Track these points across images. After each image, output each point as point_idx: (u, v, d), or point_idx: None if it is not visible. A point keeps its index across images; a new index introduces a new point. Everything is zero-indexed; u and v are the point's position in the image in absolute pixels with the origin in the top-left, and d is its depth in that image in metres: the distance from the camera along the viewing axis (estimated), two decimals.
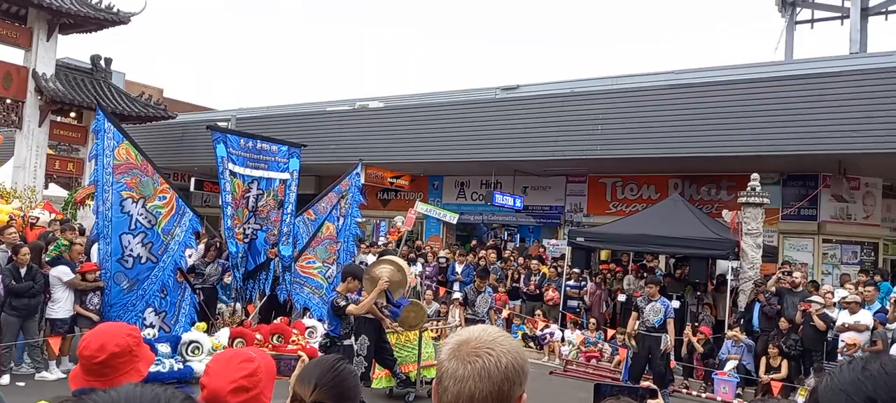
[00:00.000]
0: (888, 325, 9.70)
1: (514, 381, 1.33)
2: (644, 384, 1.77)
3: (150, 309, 8.87)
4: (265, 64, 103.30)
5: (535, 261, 14.70)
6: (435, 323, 11.60)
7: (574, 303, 13.44)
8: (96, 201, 8.85)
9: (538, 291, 13.76)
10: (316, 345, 9.04)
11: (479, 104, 17.43)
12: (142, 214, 8.91)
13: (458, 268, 14.66)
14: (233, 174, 9.82)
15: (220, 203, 9.87)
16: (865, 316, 9.74)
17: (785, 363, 9.97)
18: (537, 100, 16.50)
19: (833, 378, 1.16)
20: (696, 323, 11.88)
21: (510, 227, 19.34)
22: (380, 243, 16.90)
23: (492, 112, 16.93)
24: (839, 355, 9.59)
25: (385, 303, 8.14)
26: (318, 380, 1.91)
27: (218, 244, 10.15)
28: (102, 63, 19.64)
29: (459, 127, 17.04)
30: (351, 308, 7.04)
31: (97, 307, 8.60)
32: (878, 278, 11.61)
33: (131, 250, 8.72)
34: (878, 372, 1.11)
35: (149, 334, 8.53)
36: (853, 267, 14.30)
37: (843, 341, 9.66)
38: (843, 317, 9.95)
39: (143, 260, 8.82)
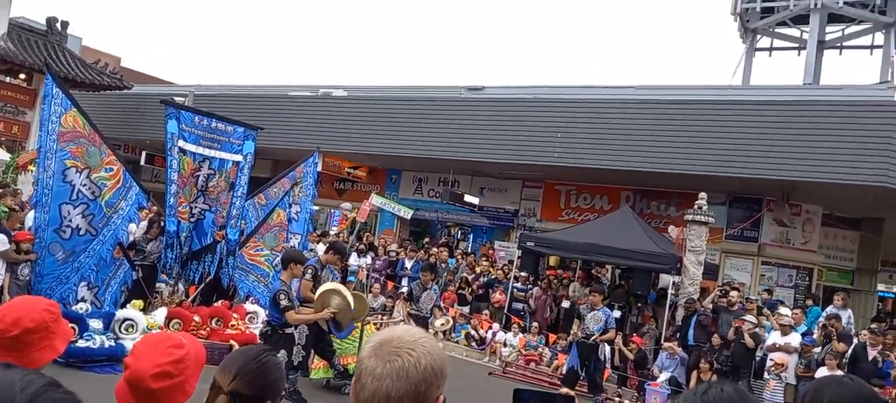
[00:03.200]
0: (814, 349, 10.10)
1: (432, 382, 1.35)
2: (562, 391, 1.82)
3: (83, 283, 8.64)
4: (229, 42, 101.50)
5: (484, 262, 14.82)
6: (380, 317, 11.61)
7: (519, 306, 13.61)
8: (38, 168, 8.58)
9: (484, 292, 13.89)
10: (256, 331, 8.95)
11: (444, 102, 17.48)
12: (85, 185, 8.67)
13: (408, 264, 14.68)
14: (182, 151, 9.63)
15: (165, 179, 9.68)
16: (795, 339, 10.13)
17: (715, 378, 10.29)
18: (501, 103, 16.62)
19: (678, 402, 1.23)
20: (638, 333, 12.18)
21: (464, 227, 19.44)
22: (331, 233, 16.79)
23: (455, 111, 17.00)
24: (766, 373, 9.95)
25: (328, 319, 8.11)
26: (239, 370, 1.90)
27: (161, 221, 9.95)
28: (58, 26, 19.05)
29: (422, 123, 17.06)
30: (290, 315, 6.93)
31: (28, 278, 8.34)
32: (809, 302, 12.06)
33: (70, 221, 8.48)
34: (715, 398, 1.19)
35: (81, 309, 8.31)
36: (788, 290, 14.83)
37: (771, 360, 10.02)
38: (774, 337, 10.33)
39: (81, 232, 8.59)
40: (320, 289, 7.50)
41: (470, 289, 14.16)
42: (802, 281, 15.06)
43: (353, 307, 7.39)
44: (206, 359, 2.14)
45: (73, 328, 7.82)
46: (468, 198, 17.38)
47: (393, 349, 1.35)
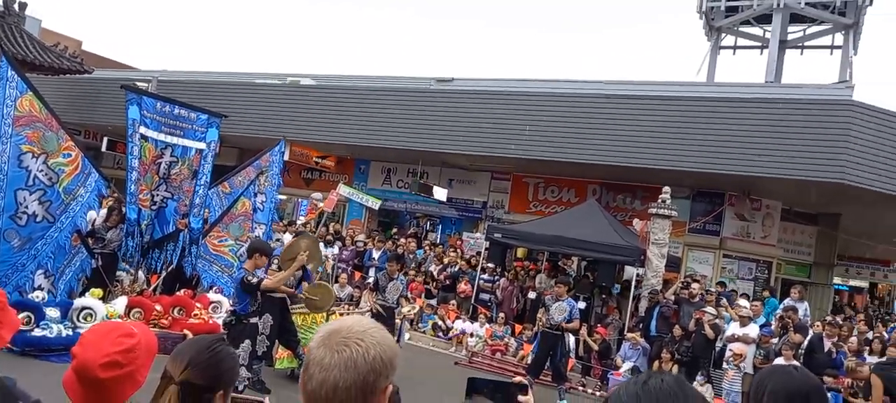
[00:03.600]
0: (772, 340, 10.37)
1: (380, 373, 1.34)
2: (516, 379, 1.83)
3: (40, 271, 8.41)
4: (194, 27, 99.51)
5: (452, 252, 14.86)
6: (346, 307, 11.55)
7: (486, 297, 13.68)
8: None
9: (451, 283, 13.93)
10: (219, 321, 8.83)
11: (413, 93, 17.42)
12: (42, 171, 8.43)
13: (375, 254, 14.64)
14: (144, 138, 9.43)
15: (126, 166, 9.47)
16: (753, 330, 10.38)
17: (675, 368, 10.49)
18: (470, 94, 16.63)
19: (619, 391, 1.25)
20: (602, 324, 12.35)
21: (433, 218, 19.44)
22: (299, 222, 16.64)
23: (424, 102, 16.96)
24: (725, 363, 10.18)
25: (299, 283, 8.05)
26: (191, 360, 1.86)
27: (122, 209, 9.74)
28: (16, 6, 18.44)
29: (391, 113, 16.98)
30: (267, 282, 6.88)
31: None
32: (766, 294, 12.37)
33: (26, 207, 8.23)
34: (655, 388, 1.21)
35: (38, 297, 8.10)
36: (748, 282, 15.20)
37: (730, 350, 10.26)
38: (733, 328, 10.57)
39: (38, 219, 8.35)
40: (285, 245, 7.47)
41: (435, 283, 14.19)
42: (762, 273, 15.45)
43: (322, 249, 7.37)
44: (158, 349, 2.10)
45: (29, 316, 7.63)
46: (436, 192, 17.39)
47: (342, 339, 1.34)
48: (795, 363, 9.52)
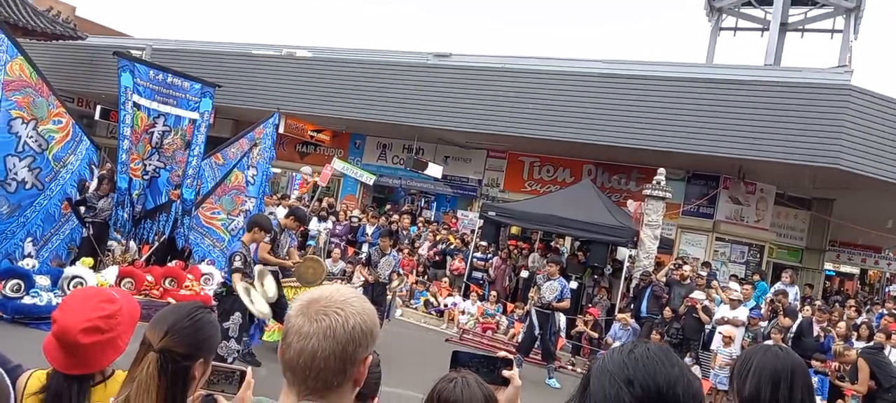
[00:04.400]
0: (761, 323, 10.43)
1: (360, 343, 1.32)
2: (500, 354, 1.81)
3: (29, 239, 8.38)
4: None
5: (444, 230, 14.87)
6: (339, 282, 11.55)
7: (479, 275, 13.71)
8: None
9: (441, 259, 13.96)
10: (210, 293, 8.82)
11: (410, 67, 17.28)
12: (32, 137, 8.35)
13: (369, 230, 14.63)
14: (136, 106, 9.34)
15: (118, 134, 9.39)
16: (743, 313, 10.44)
17: None
18: (468, 70, 16.50)
19: (604, 360, 1.23)
20: (593, 304, 12.40)
21: (428, 195, 19.41)
22: (292, 196, 16.59)
23: (421, 77, 16.83)
24: (713, 345, 10.25)
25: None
26: (171, 327, 1.83)
27: (113, 177, 9.68)
28: None
29: (387, 87, 16.86)
30: (236, 277, 6.65)
31: None
32: (756, 277, 12.42)
33: (16, 174, 8.17)
34: (641, 356, 1.19)
35: (28, 264, 8.07)
36: (740, 265, 15.26)
37: (720, 333, 10.32)
38: (722, 311, 10.63)
39: (27, 186, 8.29)
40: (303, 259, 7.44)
41: (421, 263, 14.19)
42: (754, 257, 15.50)
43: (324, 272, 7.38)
44: (141, 317, 2.07)
45: (18, 284, 7.60)
46: (431, 168, 17.33)
47: (321, 308, 1.32)
48: (780, 344, 9.59)
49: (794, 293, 11.85)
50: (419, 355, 9.41)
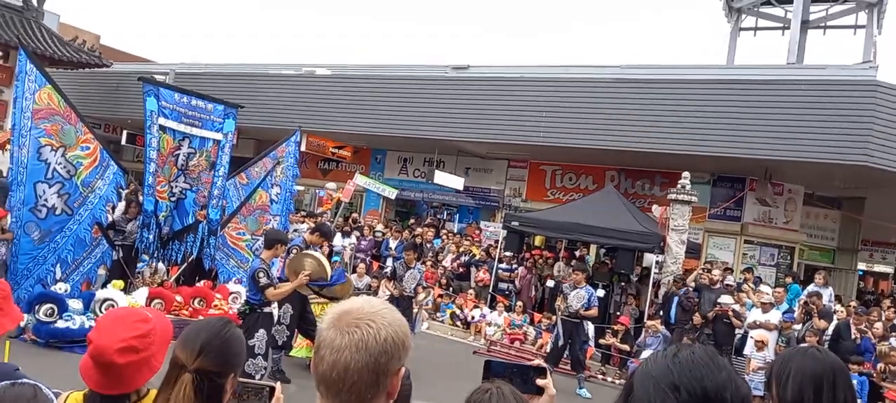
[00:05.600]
0: (794, 326, 10.21)
1: (393, 355, 1.31)
2: (534, 363, 1.78)
3: (59, 264, 8.51)
4: (210, 20, 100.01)
5: (466, 241, 14.83)
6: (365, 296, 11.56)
7: (505, 286, 13.63)
8: (12, 146, 8.41)
9: (465, 271, 13.91)
10: (237, 311, 8.87)
11: (429, 81, 17.35)
12: (61, 163, 8.51)
13: (393, 244, 14.65)
14: (162, 129, 9.47)
15: (144, 158, 9.52)
16: (775, 316, 10.23)
17: None
18: (486, 81, 16.53)
19: (648, 365, 1.20)
20: (620, 312, 12.23)
21: (450, 207, 19.41)
22: (317, 212, 16.69)
23: (440, 90, 16.88)
24: (746, 350, 10.05)
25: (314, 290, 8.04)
26: (204, 346, 1.84)
27: (139, 200, 9.82)
28: (34, 2, 18.62)
29: (407, 102, 16.93)
30: (269, 292, 6.82)
31: (4, 257, 8.20)
32: (788, 280, 12.17)
33: (46, 200, 8.32)
34: (686, 361, 1.16)
35: (60, 289, 8.20)
36: (770, 268, 14.99)
37: (752, 337, 10.12)
38: (754, 315, 10.42)
39: (57, 212, 8.44)
40: (290, 257, 7.46)
41: (445, 274, 14.13)
42: (784, 259, 15.22)
43: (326, 268, 7.35)
44: (173, 335, 2.08)
45: (52, 308, 7.72)
46: (453, 180, 17.34)
47: (352, 320, 1.31)
48: (818, 346, 9.38)
49: (828, 294, 11.58)
50: (447, 368, 9.37)
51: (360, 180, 17.06)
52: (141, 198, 9.62)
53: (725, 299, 10.73)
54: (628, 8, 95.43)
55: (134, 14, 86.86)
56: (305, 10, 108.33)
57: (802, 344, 9.29)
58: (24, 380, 2.00)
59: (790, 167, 13.62)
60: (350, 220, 16.40)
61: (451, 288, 13.87)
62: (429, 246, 15.30)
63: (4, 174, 11.40)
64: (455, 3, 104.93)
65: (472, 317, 12.78)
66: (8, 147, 12.02)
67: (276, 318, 7.55)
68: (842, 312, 10.42)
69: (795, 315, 10.45)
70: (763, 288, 11.12)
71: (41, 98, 8.40)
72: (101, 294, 8.33)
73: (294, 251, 8.47)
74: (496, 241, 14.93)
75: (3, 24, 17.27)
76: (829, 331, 9.98)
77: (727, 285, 11.78)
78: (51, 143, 8.41)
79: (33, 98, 8.33)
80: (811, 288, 11.81)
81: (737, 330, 10.50)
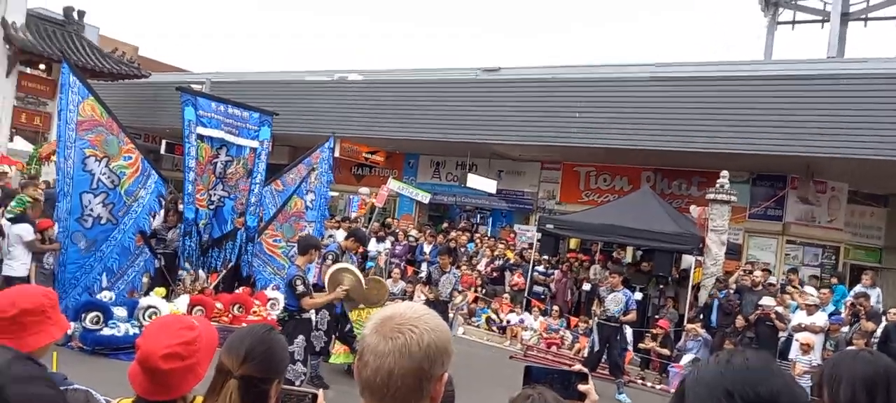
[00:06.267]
0: (842, 328, 9.92)
1: (436, 360, 1.32)
2: (575, 368, 1.75)
3: (105, 273, 8.72)
4: (244, 30, 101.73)
5: (501, 245, 14.76)
6: (399, 301, 11.59)
7: (540, 290, 13.54)
8: (58, 157, 8.65)
9: (499, 275, 13.84)
10: (276, 317, 8.98)
11: (460, 84, 17.35)
12: (105, 174, 8.72)
13: (427, 248, 14.66)
14: (200, 138, 9.64)
15: (183, 167, 9.70)
16: (821, 318, 9.95)
17: None
18: (518, 83, 16.45)
19: (699, 371, 1.16)
20: (659, 315, 12.04)
21: (483, 210, 19.36)
22: (351, 217, 16.81)
23: (471, 92, 16.86)
24: (791, 354, 9.79)
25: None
26: (249, 352, 1.86)
27: (178, 208, 10.02)
28: (75, 15, 19.17)
29: (438, 105, 16.96)
30: (306, 301, 6.90)
31: (52, 267, 8.43)
32: (834, 281, 11.83)
33: (91, 210, 8.53)
34: (740, 366, 1.12)
35: (106, 297, 8.39)
36: (814, 269, 14.59)
37: (797, 340, 9.86)
38: (799, 317, 10.15)
39: (102, 221, 8.65)
40: (331, 269, 7.51)
41: (480, 277, 14.08)
42: (828, 259, 14.81)
43: (363, 285, 7.41)
44: (218, 343, 2.11)
45: (98, 316, 7.91)
46: (485, 183, 17.30)
47: (395, 326, 1.32)
48: (869, 349, 9.09)
49: (876, 295, 11.23)
50: (484, 373, 9.33)
51: (393, 185, 17.13)
52: (180, 206, 9.79)
53: (767, 301, 10.48)
54: (627, 7, 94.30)
55: (170, 25, 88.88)
56: (304, 11, 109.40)
57: (851, 348, 9.03)
58: (76, 386, 2.04)
59: (833, 164, 13.25)
60: (384, 225, 16.47)
61: (484, 292, 13.82)
62: (462, 250, 15.29)
63: (51, 184, 11.74)
64: (452, 4, 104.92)
65: (508, 322, 12.72)
66: (53, 158, 12.40)
67: (314, 324, 7.61)
68: (892, 313, 10.07)
69: (842, 316, 10.14)
70: (808, 289, 10.82)
71: (84, 109, 8.61)
72: (144, 301, 8.51)
73: (329, 257, 8.54)
74: (530, 244, 14.84)
75: (46, 38, 17.80)
76: (878, 333, 9.66)
77: (769, 284, 11.50)
78: (95, 154, 8.61)
79: (77, 110, 8.55)
80: (858, 288, 11.46)
81: (780, 334, 10.24)
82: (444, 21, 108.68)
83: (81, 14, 19.26)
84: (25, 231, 8.33)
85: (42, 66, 18.67)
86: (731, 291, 11.12)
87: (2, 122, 16.84)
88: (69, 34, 18.73)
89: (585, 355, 10.30)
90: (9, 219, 8.44)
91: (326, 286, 7.33)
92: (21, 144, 18.06)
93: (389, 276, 13.66)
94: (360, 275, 7.43)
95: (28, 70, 18.29)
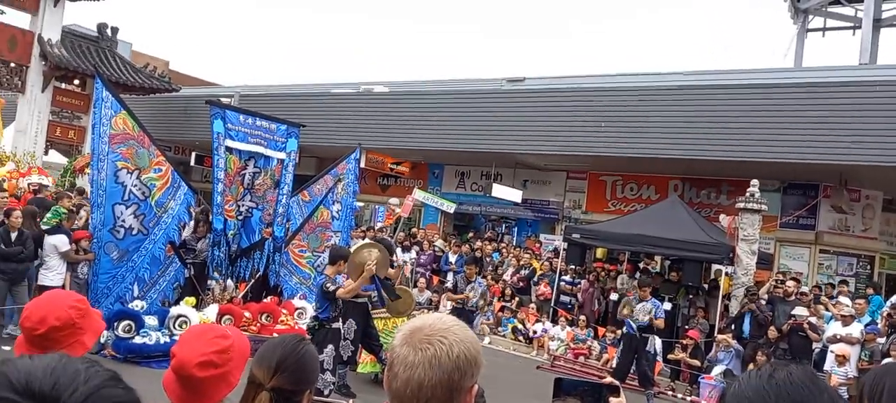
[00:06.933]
0: (878, 339, 9.67)
1: (466, 371, 1.31)
2: (606, 380, 1.73)
3: (137, 283, 8.87)
4: (272, 44, 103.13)
5: (526, 255, 14.68)
6: (425, 311, 11.59)
7: (567, 299, 13.42)
8: (92, 170, 8.85)
9: (525, 285, 13.75)
10: (304, 326, 9.04)
11: (484, 94, 17.36)
12: (136, 185, 8.89)
13: (452, 258, 14.65)
14: (229, 150, 9.78)
15: (212, 178, 9.84)
16: (857, 329, 9.71)
17: None
18: (542, 93, 16.41)
19: (741, 386, 1.13)
20: (689, 326, 11.85)
21: (508, 220, 19.30)
22: (377, 227, 16.88)
23: (496, 103, 16.86)
24: (827, 366, 9.56)
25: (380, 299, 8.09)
26: (280, 364, 1.86)
27: (208, 219, 10.15)
28: (108, 31, 19.62)
29: (463, 116, 16.98)
30: (340, 291, 7.01)
31: (86, 276, 8.60)
32: (870, 291, 11.55)
33: (123, 221, 8.70)
34: (784, 382, 1.09)
35: (137, 306, 8.53)
36: (849, 279, 14.24)
37: (832, 352, 9.63)
38: (834, 328, 9.92)
39: (134, 232, 8.81)
40: (353, 248, 7.52)
41: (506, 286, 13.99)
42: (863, 269, 14.46)
43: (384, 252, 7.46)
44: (250, 352, 2.12)
45: (130, 325, 8.04)
46: (511, 193, 17.25)
47: (425, 336, 1.31)
48: None
49: None
50: (511, 384, 9.27)
51: (418, 195, 17.17)
52: (210, 217, 9.92)
53: (800, 311, 10.25)
54: (625, 5, 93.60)
55: (200, 40, 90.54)
56: (303, 8, 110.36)
57: (889, 359, 8.78)
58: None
59: (866, 171, 12.96)
60: (409, 235, 16.50)
61: (512, 301, 13.75)
62: (488, 260, 15.24)
63: (85, 193, 11.99)
64: (450, 3, 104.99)
65: (535, 332, 12.63)
66: (87, 171, 12.68)
67: (341, 334, 7.65)
68: None
69: (879, 327, 9.88)
70: (843, 299, 10.56)
71: (117, 123, 8.80)
72: (174, 310, 8.63)
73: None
74: (556, 253, 14.73)
75: (80, 54, 18.25)
76: None
77: (802, 294, 11.26)
78: (126, 166, 8.79)
79: (110, 123, 8.74)
80: (894, 299, 11.16)
81: (815, 345, 10.01)
82: (441, 18, 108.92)
83: (114, 30, 19.71)
84: (61, 241, 8.53)
85: (76, 82, 19.13)
86: (764, 301, 10.90)
87: (38, 136, 17.26)
88: (102, 50, 19.17)
89: (614, 366, 10.17)
90: (45, 230, 8.65)
91: (350, 274, 7.30)
92: (56, 157, 18.49)
93: (415, 286, 13.68)
94: (383, 250, 7.47)
95: (63, 85, 18.75)
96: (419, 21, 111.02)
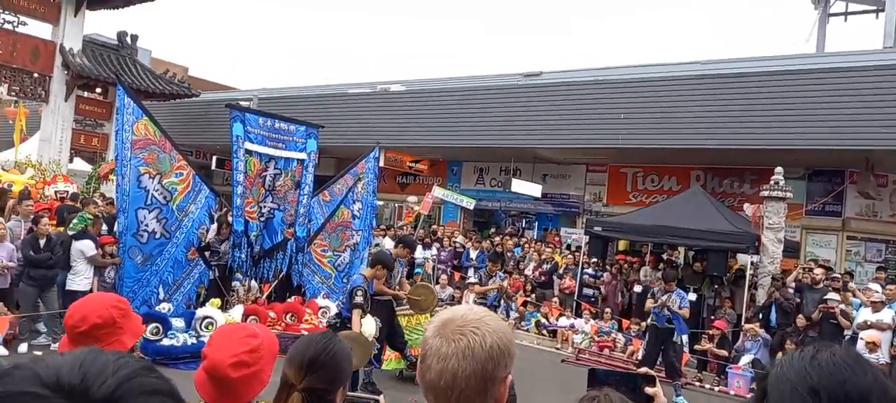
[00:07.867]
0: None
1: (499, 362, 1.30)
2: (641, 370, 1.72)
3: (161, 286, 8.97)
4: (289, 46, 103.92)
5: (548, 248, 14.62)
6: (447, 307, 11.60)
7: (590, 292, 13.35)
8: (117, 176, 8.97)
9: (547, 279, 13.69)
10: (326, 324, 9.08)
11: (502, 90, 17.30)
12: (158, 190, 8.99)
13: (473, 254, 14.63)
14: (249, 153, 9.85)
15: (231, 181, 9.93)
16: (887, 315, 9.54)
17: None
18: (560, 87, 16.31)
19: (783, 367, 1.11)
20: (716, 316, 11.72)
21: (529, 215, 19.23)
22: (397, 225, 16.92)
23: (514, 98, 16.80)
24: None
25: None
26: (311, 363, 1.86)
27: (229, 220, 10.24)
28: (128, 39, 19.84)
29: (480, 112, 16.94)
30: (353, 319, 6.85)
31: (113, 281, 8.72)
32: None
33: (146, 225, 8.81)
34: (826, 362, 1.06)
35: (164, 309, 8.63)
36: (878, 265, 13.98)
37: (862, 339, 9.47)
38: (864, 315, 9.75)
39: (157, 236, 8.91)
40: (415, 286, 7.58)
41: (528, 281, 13.94)
42: (893, 255, 14.18)
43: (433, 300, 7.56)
44: (278, 350, 2.13)
45: (157, 328, 8.14)
46: (530, 188, 17.18)
47: (457, 328, 1.31)
48: None
49: None
50: (537, 377, 9.24)
51: (437, 192, 17.17)
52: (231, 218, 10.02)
53: (833, 297, 10.08)
54: (625, 2, 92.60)
55: (218, 45, 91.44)
56: (302, 8, 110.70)
57: None
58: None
59: (892, 156, 12.70)
60: (430, 232, 16.52)
61: (534, 295, 13.70)
62: (509, 255, 15.20)
63: (107, 198, 12.16)
64: (448, 1, 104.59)
65: (558, 325, 12.57)
66: (111, 177, 12.86)
67: None
68: None
69: None
70: (872, 286, 10.37)
71: (138, 129, 8.91)
72: (200, 312, 8.72)
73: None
74: (578, 247, 14.64)
75: (101, 62, 18.48)
76: None
77: (834, 277, 11.07)
78: (148, 171, 8.90)
79: (132, 130, 8.85)
80: None
81: (845, 332, 9.84)
82: (442, 15, 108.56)
83: (134, 38, 19.93)
84: (87, 247, 8.66)
85: (98, 90, 19.37)
86: (791, 290, 10.74)
87: (63, 144, 17.52)
88: (123, 58, 19.40)
89: (639, 358, 10.09)
90: (71, 236, 8.78)
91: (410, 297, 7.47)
92: (80, 165, 18.75)
93: (437, 282, 13.69)
94: (437, 292, 7.66)
95: (85, 94, 19.00)
96: (420, 18, 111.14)
